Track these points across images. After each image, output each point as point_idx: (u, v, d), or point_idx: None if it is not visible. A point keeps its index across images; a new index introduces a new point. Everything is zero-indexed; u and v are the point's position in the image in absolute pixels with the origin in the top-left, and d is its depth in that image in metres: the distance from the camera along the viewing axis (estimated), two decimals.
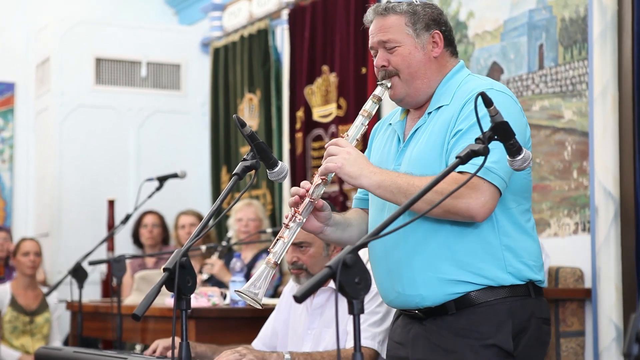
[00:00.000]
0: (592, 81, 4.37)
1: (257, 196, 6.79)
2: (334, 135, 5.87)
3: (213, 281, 5.40)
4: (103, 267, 6.66)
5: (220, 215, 2.55)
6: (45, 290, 6.26)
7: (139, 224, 6.69)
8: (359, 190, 2.72)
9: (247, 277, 4.78)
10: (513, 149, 2.15)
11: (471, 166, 2.14)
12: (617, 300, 4.22)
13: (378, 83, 2.53)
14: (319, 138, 6.21)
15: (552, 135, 4.65)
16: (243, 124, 2.38)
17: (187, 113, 7.65)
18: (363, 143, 3.34)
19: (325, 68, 6.18)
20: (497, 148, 2.16)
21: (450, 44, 2.55)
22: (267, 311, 3.76)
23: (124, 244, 6.80)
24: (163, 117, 7.55)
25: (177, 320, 2.25)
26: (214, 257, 5.49)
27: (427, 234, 2.44)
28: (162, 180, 5.02)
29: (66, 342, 6.30)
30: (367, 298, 2.84)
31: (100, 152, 7.29)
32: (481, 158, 2.04)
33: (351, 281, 1.79)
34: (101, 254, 6.10)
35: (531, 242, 2.49)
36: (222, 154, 7.25)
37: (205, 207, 7.22)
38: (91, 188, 7.19)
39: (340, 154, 2.38)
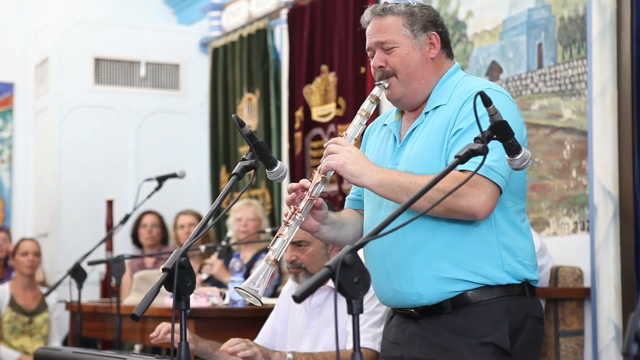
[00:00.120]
0: (591, 80, 4.37)
1: (257, 196, 6.79)
2: (333, 135, 5.87)
3: (212, 281, 5.39)
4: (102, 267, 6.66)
5: (219, 215, 2.55)
6: (44, 290, 6.25)
7: (138, 224, 6.69)
8: (351, 191, 2.73)
9: (247, 277, 4.78)
10: (512, 148, 2.15)
11: (472, 165, 2.15)
12: (616, 300, 4.22)
13: (376, 83, 2.54)
14: (318, 138, 6.21)
15: (551, 134, 4.65)
16: (242, 124, 2.39)
17: (186, 113, 7.65)
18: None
19: (324, 68, 6.17)
20: (497, 147, 2.17)
21: (446, 45, 2.56)
22: (266, 311, 3.76)
23: (123, 244, 6.80)
24: (162, 117, 7.54)
25: (176, 320, 2.25)
26: (213, 257, 5.49)
27: (426, 232, 2.44)
28: (161, 180, 5.02)
29: (65, 343, 6.30)
30: (366, 298, 2.85)
31: (100, 152, 7.28)
32: (480, 157, 2.04)
33: (350, 281, 1.79)
34: (100, 254, 6.10)
35: (526, 241, 2.51)
36: (221, 153, 7.25)
37: (205, 207, 7.22)
38: (90, 188, 7.19)
39: (341, 153, 2.39)
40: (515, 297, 2.45)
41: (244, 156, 2.47)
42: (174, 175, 5.04)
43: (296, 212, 2.42)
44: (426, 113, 2.51)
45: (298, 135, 6.35)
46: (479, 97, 2.04)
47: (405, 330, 2.54)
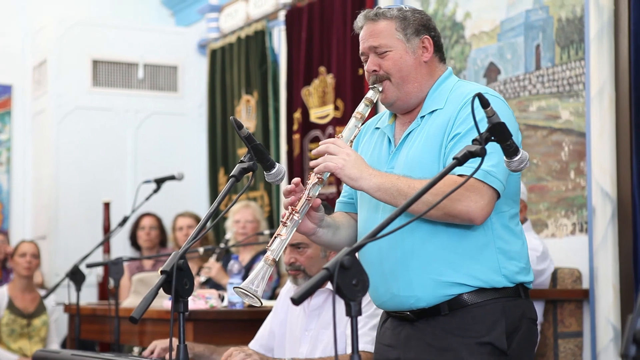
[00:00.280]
0: (589, 81, 4.37)
1: (255, 198, 6.79)
2: (331, 137, 5.86)
3: (211, 283, 5.39)
4: (99, 270, 6.65)
5: (217, 217, 2.54)
6: (42, 292, 6.25)
7: (136, 226, 6.69)
8: (342, 193, 2.73)
9: (245, 279, 4.79)
10: (510, 150, 2.15)
11: (470, 169, 2.15)
12: (615, 301, 4.22)
13: (370, 87, 2.55)
14: (316, 139, 6.21)
15: (549, 135, 4.65)
16: (240, 126, 2.39)
17: (184, 114, 7.65)
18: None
19: (322, 69, 6.18)
20: (495, 152, 2.18)
21: (439, 49, 2.58)
22: (264, 313, 3.76)
23: (121, 246, 6.80)
24: (160, 118, 7.54)
25: (175, 322, 2.25)
26: (212, 260, 5.49)
27: (425, 236, 2.45)
28: (159, 182, 5.02)
29: (64, 345, 6.30)
30: (365, 300, 2.85)
31: (98, 153, 7.28)
32: (478, 159, 2.04)
33: (349, 283, 1.78)
34: (98, 257, 6.10)
35: (521, 244, 2.53)
36: (219, 155, 7.25)
37: (203, 209, 7.22)
38: (88, 190, 7.18)
39: (340, 155, 2.39)
40: (511, 298, 2.47)
41: (242, 158, 2.47)
42: (172, 178, 5.04)
43: (294, 212, 2.42)
44: (422, 117, 2.52)
45: (296, 137, 6.35)
46: (477, 99, 2.05)
47: (400, 332, 2.54)
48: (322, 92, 6.18)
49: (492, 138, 2.09)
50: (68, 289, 4.31)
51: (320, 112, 6.20)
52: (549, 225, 4.63)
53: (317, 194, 2.45)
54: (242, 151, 6.85)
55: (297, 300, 1.75)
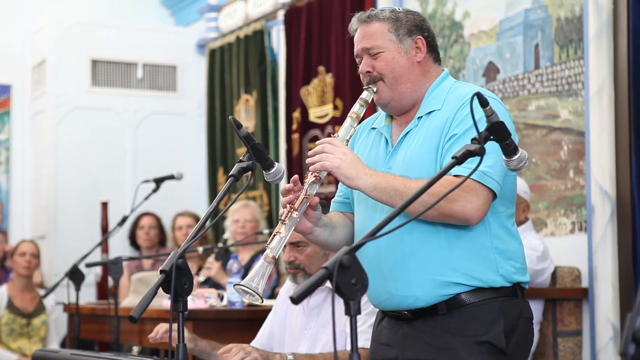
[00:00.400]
0: (588, 80, 4.37)
1: (254, 197, 6.79)
2: (330, 136, 5.86)
3: (210, 283, 5.39)
4: (98, 269, 6.64)
5: (217, 217, 2.54)
6: (42, 292, 6.25)
7: (135, 225, 6.69)
8: (337, 193, 2.74)
9: (244, 278, 4.78)
10: (509, 149, 2.15)
11: (467, 169, 2.16)
12: (614, 300, 4.22)
13: (364, 87, 2.57)
14: (315, 139, 6.21)
15: (548, 134, 4.65)
16: (239, 125, 2.39)
17: (184, 114, 7.65)
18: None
19: (321, 69, 6.18)
20: (492, 152, 2.18)
21: (433, 50, 2.59)
22: (263, 312, 3.76)
23: (120, 246, 6.80)
24: (159, 118, 7.54)
25: (174, 322, 2.25)
26: (211, 259, 5.49)
27: (424, 236, 2.45)
28: (158, 181, 5.02)
29: (63, 345, 6.30)
30: (364, 299, 2.85)
31: (97, 153, 7.28)
32: (477, 159, 2.04)
33: (348, 282, 1.79)
34: (97, 256, 6.10)
35: (517, 244, 2.54)
36: (218, 155, 7.25)
37: (202, 209, 7.22)
38: (87, 190, 7.18)
39: (337, 154, 2.40)
40: (508, 298, 2.48)
41: (241, 158, 2.47)
42: (171, 177, 5.04)
43: (292, 210, 2.43)
44: (419, 118, 2.54)
45: (295, 136, 6.35)
46: (475, 98, 2.05)
47: (397, 332, 2.55)
48: (321, 91, 6.18)
49: (491, 137, 2.10)
50: (67, 289, 4.31)
51: (319, 111, 6.20)
52: (548, 224, 4.63)
53: (314, 192, 2.45)
54: (241, 151, 6.85)
55: (296, 299, 1.75)
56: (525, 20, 4.79)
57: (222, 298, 4.24)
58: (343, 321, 3.10)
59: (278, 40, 6.69)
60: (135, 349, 5.60)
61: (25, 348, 6.01)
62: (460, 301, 2.45)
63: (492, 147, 2.14)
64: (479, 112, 2.08)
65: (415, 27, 2.56)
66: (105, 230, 6.54)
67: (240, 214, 5.76)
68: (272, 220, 6.50)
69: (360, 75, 2.59)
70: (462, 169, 2.19)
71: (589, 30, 4.36)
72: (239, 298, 4.12)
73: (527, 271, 2.55)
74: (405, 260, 2.47)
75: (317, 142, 2.46)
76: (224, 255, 5.71)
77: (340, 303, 1.81)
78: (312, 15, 6.22)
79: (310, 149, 6.49)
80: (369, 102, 2.55)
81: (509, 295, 2.48)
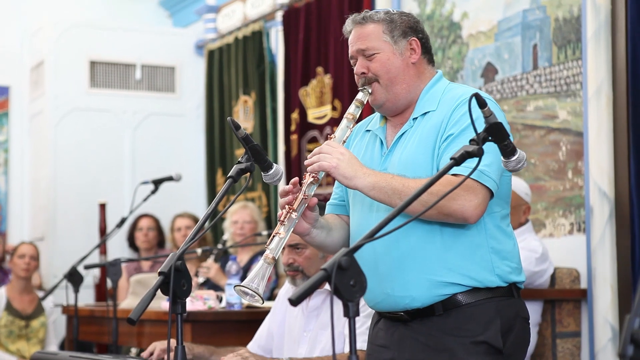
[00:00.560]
0: (586, 81, 4.38)
1: (253, 198, 6.79)
2: (329, 137, 5.86)
3: (209, 284, 5.39)
4: (96, 271, 6.65)
5: (215, 218, 2.54)
6: (40, 294, 6.25)
7: (134, 227, 6.69)
8: (332, 196, 2.74)
9: (243, 280, 4.77)
10: (507, 150, 2.15)
11: (465, 169, 2.16)
12: (613, 301, 4.22)
13: (359, 89, 2.58)
14: (314, 140, 6.21)
15: (546, 135, 4.65)
16: (237, 127, 2.39)
17: (182, 115, 7.65)
18: None
19: (319, 70, 6.18)
20: (489, 151, 2.19)
21: (427, 51, 2.61)
22: (262, 314, 3.76)
23: (119, 248, 6.80)
24: (158, 119, 7.54)
25: (173, 324, 2.25)
26: (210, 260, 5.48)
27: (421, 236, 2.46)
28: (157, 183, 5.02)
29: (62, 347, 6.30)
30: (363, 300, 2.84)
31: (95, 155, 7.28)
32: (475, 159, 2.05)
33: (346, 284, 1.79)
34: (95, 258, 6.09)
35: (513, 244, 2.55)
36: (217, 156, 7.25)
37: (201, 210, 7.22)
38: (86, 191, 7.18)
39: (334, 154, 2.40)
40: (505, 298, 2.49)
41: (239, 159, 2.47)
42: (170, 178, 5.04)
43: (291, 211, 2.43)
44: (414, 119, 2.55)
45: (294, 137, 6.35)
46: (474, 99, 2.05)
47: (394, 333, 2.55)
48: (319, 92, 6.18)
49: (490, 138, 2.10)
50: (66, 291, 4.31)
51: (318, 112, 6.20)
52: (547, 225, 4.63)
53: (313, 193, 2.45)
54: (240, 152, 6.85)
55: (295, 301, 1.75)
56: (524, 20, 4.79)
57: (220, 300, 4.24)
58: (342, 323, 3.10)
59: (276, 41, 6.69)
60: (134, 350, 5.60)
61: (24, 350, 6.00)
62: (456, 302, 2.45)
63: (489, 146, 2.15)
64: (476, 113, 2.08)
65: (410, 28, 2.57)
66: (103, 231, 6.54)
67: (239, 215, 5.76)
68: (270, 222, 6.49)
69: (355, 76, 2.60)
70: (461, 168, 2.19)
71: (587, 31, 4.37)
72: (238, 299, 4.12)
73: (523, 271, 2.56)
74: (402, 260, 2.47)
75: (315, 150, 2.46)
76: (223, 257, 5.71)
77: (339, 305, 1.81)
78: (311, 16, 6.23)
79: (309, 150, 6.51)
80: (365, 103, 2.56)
81: (505, 295, 2.48)
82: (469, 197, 2.34)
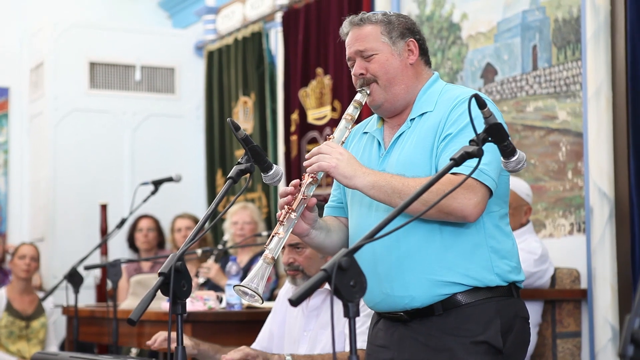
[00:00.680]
0: (586, 82, 4.38)
1: (253, 199, 6.79)
2: (329, 138, 5.86)
3: (209, 285, 5.39)
4: (97, 272, 6.65)
5: (215, 219, 2.55)
6: (41, 295, 6.25)
7: (134, 228, 6.69)
8: (330, 198, 2.75)
9: (243, 280, 4.77)
10: (507, 150, 2.16)
11: (465, 168, 2.16)
12: (613, 301, 4.22)
13: (358, 90, 2.58)
14: (313, 140, 6.21)
15: (546, 136, 4.65)
16: (237, 128, 2.39)
17: (182, 116, 7.65)
18: None
19: (319, 70, 6.18)
20: (488, 150, 2.19)
21: (424, 53, 2.62)
22: (262, 314, 3.76)
23: (119, 248, 6.80)
24: (157, 120, 7.54)
25: (173, 324, 2.25)
26: (210, 261, 5.49)
27: (420, 238, 2.46)
28: (157, 184, 5.02)
29: (62, 347, 6.30)
30: (363, 301, 2.84)
31: (95, 156, 7.28)
32: (475, 160, 2.05)
33: (346, 284, 1.79)
34: (95, 259, 6.10)
35: (511, 244, 2.55)
36: (217, 157, 7.25)
37: (201, 211, 7.23)
38: (86, 192, 7.18)
39: (333, 154, 2.41)
40: (504, 297, 2.49)
41: (239, 160, 2.47)
42: (169, 179, 5.04)
43: (290, 211, 2.43)
44: (412, 120, 2.56)
45: (294, 138, 6.35)
46: (473, 100, 2.05)
47: (393, 333, 2.55)
48: (319, 93, 6.18)
49: (489, 139, 2.10)
50: (66, 291, 4.31)
51: (318, 113, 6.20)
52: (547, 225, 4.63)
53: (312, 193, 2.46)
54: (240, 153, 6.85)
55: (294, 301, 1.75)
56: (523, 21, 4.80)
57: (221, 300, 4.24)
58: (342, 323, 3.11)
59: (276, 42, 6.70)
60: (134, 351, 5.60)
61: (24, 351, 6.01)
62: (456, 301, 2.45)
63: (488, 146, 2.15)
64: (475, 113, 2.09)
65: (407, 29, 2.58)
66: (104, 232, 6.54)
67: (239, 216, 5.76)
68: (270, 222, 6.50)
69: (353, 77, 2.61)
70: (461, 167, 2.19)
71: (587, 32, 4.37)
72: (238, 300, 4.12)
73: (522, 270, 2.57)
74: (402, 260, 2.47)
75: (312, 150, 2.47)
76: (223, 257, 5.71)
77: (339, 305, 1.81)
78: (310, 17, 6.23)
79: (308, 151, 6.51)
80: (363, 104, 2.57)
81: (504, 295, 2.49)
82: (469, 196, 2.35)
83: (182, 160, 7.52)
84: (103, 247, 6.34)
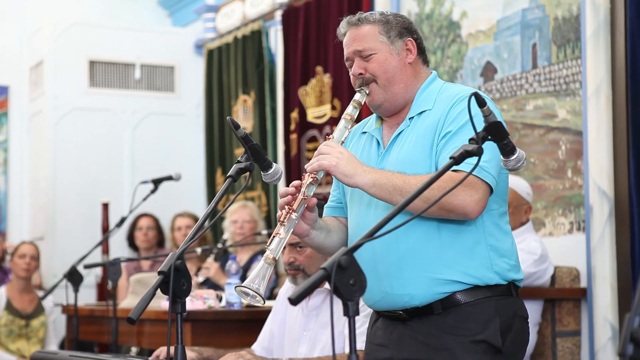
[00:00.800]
0: (586, 80, 4.38)
1: (252, 198, 6.79)
2: (328, 137, 5.86)
3: (209, 284, 5.39)
4: (98, 270, 6.65)
5: (215, 218, 2.55)
6: (40, 293, 6.25)
7: (133, 226, 6.69)
8: (330, 198, 2.75)
9: (243, 279, 4.78)
10: (507, 149, 2.16)
11: (465, 165, 2.16)
12: (613, 299, 4.22)
13: (356, 90, 2.58)
14: (313, 139, 6.21)
15: (546, 134, 4.65)
16: (237, 126, 2.39)
17: (182, 115, 7.65)
18: None
19: (319, 69, 6.18)
20: (487, 148, 2.19)
21: (422, 52, 2.63)
22: (262, 313, 3.76)
23: (119, 247, 6.80)
24: (157, 119, 7.54)
25: (173, 323, 2.25)
26: (210, 260, 5.49)
27: (419, 237, 2.46)
28: (156, 182, 5.02)
29: (62, 346, 6.30)
30: (362, 301, 2.84)
31: (95, 154, 7.28)
32: (475, 158, 2.05)
33: (346, 283, 1.79)
34: (96, 257, 6.10)
35: (510, 242, 2.56)
36: (216, 155, 7.25)
37: (201, 209, 7.22)
38: (86, 191, 7.18)
39: (333, 153, 2.41)
40: (504, 296, 2.50)
41: (239, 158, 2.47)
42: (169, 178, 5.04)
43: (291, 211, 2.43)
44: (411, 118, 2.56)
45: (293, 136, 6.35)
46: (473, 98, 2.05)
47: (392, 332, 2.55)
48: (319, 91, 6.18)
49: (489, 137, 2.10)
50: (66, 290, 4.31)
51: (318, 111, 6.20)
52: (547, 224, 4.63)
53: (312, 193, 2.46)
54: (240, 151, 6.84)
55: (294, 301, 1.75)
56: (523, 19, 4.79)
57: (220, 299, 4.24)
58: (342, 323, 3.10)
59: (276, 41, 6.69)
60: (134, 350, 5.60)
61: (24, 349, 6.01)
62: (455, 300, 2.45)
63: (488, 143, 2.15)
64: (474, 111, 2.09)
65: (405, 29, 2.59)
66: (106, 231, 6.54)
67: (239, 215, 5.76)
68: (270, 221, 6.50)
69: (352, 77, 2.61)
70: (461, 165, 2.19)
71: (587, 30, 4.37)
72: (238, 299, 4.12)
73: (521, 269, 2.57)
74: (401, 259, 2.47)
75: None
76: (223, 256, 5.71)
77: (339, 304, 1.81)
78: (310, 16, 6.22)
79: (308, 149, 6.51)
80: (362, 103, 2.57)
81: (503, 294, 2.49)
82: (470, 193, 2.35)
83: (181, 158, 7.52)
84: (104, 245, 6.35)
